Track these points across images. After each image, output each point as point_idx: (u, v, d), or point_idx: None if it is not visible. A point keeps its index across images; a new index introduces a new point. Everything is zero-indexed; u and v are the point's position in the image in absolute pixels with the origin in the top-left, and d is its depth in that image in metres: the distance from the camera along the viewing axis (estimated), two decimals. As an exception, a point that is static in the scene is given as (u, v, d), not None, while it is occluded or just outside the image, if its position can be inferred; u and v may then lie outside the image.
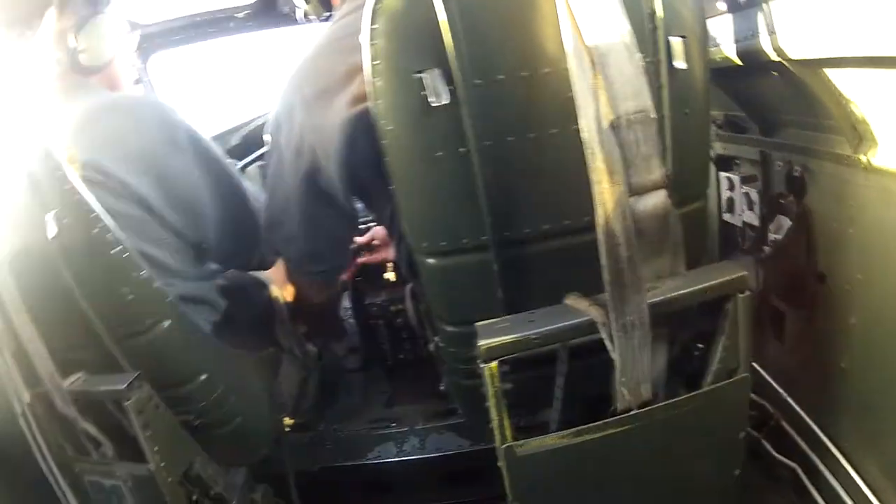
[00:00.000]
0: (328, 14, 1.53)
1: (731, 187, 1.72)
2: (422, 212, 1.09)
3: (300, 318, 1.78)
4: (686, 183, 1.09)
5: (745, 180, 1.65)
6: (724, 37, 1.38)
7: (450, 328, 1.20)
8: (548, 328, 0.94)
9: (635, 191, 0.89)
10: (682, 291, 0.95)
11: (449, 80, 0.96)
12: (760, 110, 1.56)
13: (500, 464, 1.00)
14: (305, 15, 1.58)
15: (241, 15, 2.43)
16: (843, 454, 1.38)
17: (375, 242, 1.95)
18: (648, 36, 1.01)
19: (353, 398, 2.08)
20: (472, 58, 0.96)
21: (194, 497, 1.34)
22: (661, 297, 0.93)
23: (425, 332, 1.54)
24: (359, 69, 1.02)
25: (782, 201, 1.49)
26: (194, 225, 1.41)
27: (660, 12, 1.01)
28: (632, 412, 0.98)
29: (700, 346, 1.08)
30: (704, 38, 1.12)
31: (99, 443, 1.31)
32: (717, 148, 1.77)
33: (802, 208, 1.42)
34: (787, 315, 1.56)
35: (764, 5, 1.21)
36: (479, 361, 0.95)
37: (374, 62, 0.98)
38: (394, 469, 1.74)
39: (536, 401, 1.05)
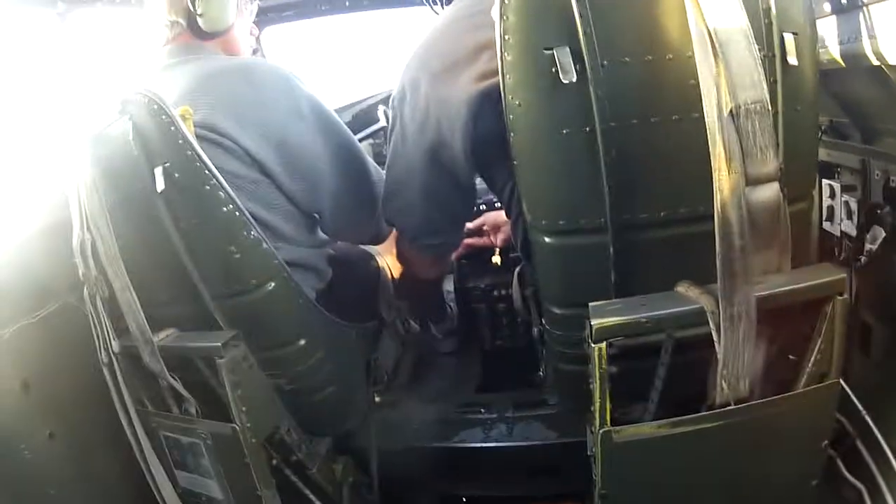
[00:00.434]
0: None
1: (833, 195, 1.67)
2: (543, 188, 1.09)
3: (404, 294, 1.78)
4: (793, 181, 1.07)
5: (846, 189, 1.60)
6: (829, 38, 1.35)
7: (558, 310, 1.20)
8: (659, 313, 0.95)
9: (751, 181, 0.88)
10: (787, 287, 0.95)
11: (576, 59, 0.96)
12: (862, 117, 1.51)
13: (595, 450, 1.00)
14: None
15: None
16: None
17: (485, 228, 1.94)
18: (764, 30, 1.00)
19: (445, 381, 2.05)
20: (599, 38, 0.96)
21: (274, 462, 1.35)
22: (768, 292, 0.93)
23: (529, 315, 1.53)
24: (486, 45, 1.03)
25: (879, 212, 1.45)
26: (311, 195, 1.41)
27: (774, 9, 1.00)
28: (729, 407, 0.97)
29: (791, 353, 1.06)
30: (814, 37, 1.10)
31: (182, 399, 1.32)
32: (821, 154, 1.72)
33: (899, 220, 1.37)
34: (874, 329, 1.51)
35: (865, 9, 1.18)
36: (589, 342, 0.95)
37: (505, 36, 0.99)
38: (478, 455, 1.71)
39: (630, 394, 1.05)
